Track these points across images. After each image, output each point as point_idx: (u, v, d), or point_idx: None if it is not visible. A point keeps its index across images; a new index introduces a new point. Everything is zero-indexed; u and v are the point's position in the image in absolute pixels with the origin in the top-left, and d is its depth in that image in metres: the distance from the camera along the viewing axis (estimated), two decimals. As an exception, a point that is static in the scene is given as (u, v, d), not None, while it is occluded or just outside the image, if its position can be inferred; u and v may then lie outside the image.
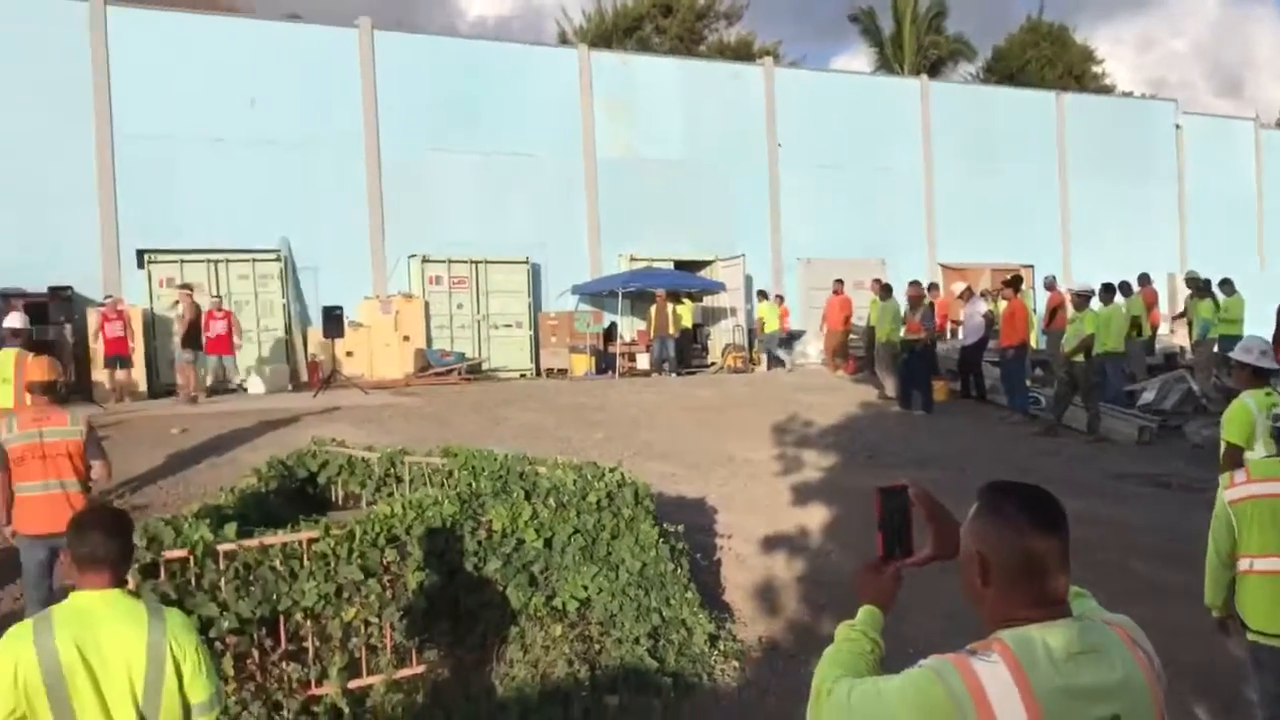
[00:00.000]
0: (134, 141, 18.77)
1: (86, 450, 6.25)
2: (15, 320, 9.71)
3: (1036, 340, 19.69)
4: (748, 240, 23.57)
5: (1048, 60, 42.25)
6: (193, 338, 16.04)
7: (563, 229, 22.54)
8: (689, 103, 24.03)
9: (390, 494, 7.64)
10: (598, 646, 6.27)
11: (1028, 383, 16.02)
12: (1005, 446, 13.18)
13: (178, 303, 16.69)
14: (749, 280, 23.11)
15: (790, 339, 22.56)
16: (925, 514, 2.18)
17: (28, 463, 6.06)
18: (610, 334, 22.03)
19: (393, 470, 7.95)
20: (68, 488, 6.12)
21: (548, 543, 6.32)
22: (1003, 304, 16.20)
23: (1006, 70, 41.96)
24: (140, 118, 18.82)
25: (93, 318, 16.83)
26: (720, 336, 23.48)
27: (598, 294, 22.35)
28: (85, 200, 18.50)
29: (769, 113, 24.97)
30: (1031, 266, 25.61)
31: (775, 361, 21.69)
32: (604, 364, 21.08)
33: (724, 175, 24.18)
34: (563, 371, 21.05)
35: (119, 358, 16.31)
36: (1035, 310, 21.33)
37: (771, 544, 8.76)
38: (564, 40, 39.06)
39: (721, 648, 6.72)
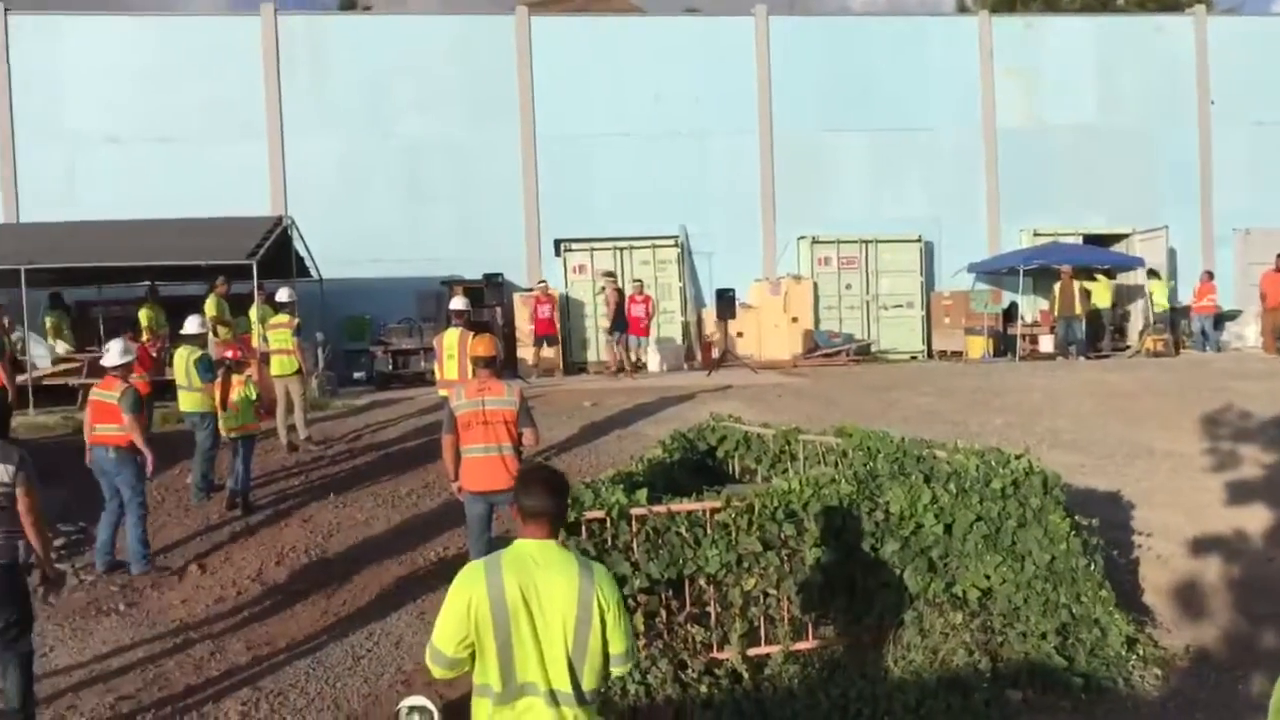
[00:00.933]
0: (552, 141, 20.61)
1: (519, 418, 6.92)
2: (458, 303, 11.00)
3: None
4: (1172, 210, 21.38)
5: None
6: (618, 321, 17.47)
7: (958, 204, 21.71)
8: (1103, 62, 22.16)
9: (784, 470, 7.80)
10: (1000, 638, 6.03)
11: None
12: None
13: (604, 289, 18.23)
14: (1172, 254, 20.90)
15: (1220, 320, 20.13)
16: None
17: (473, 428, 6.84)
18: (1010, 314, 20.86)
19: (787, 448, 8.12)
20: (504, 451, 6.84)
21: (948, 529, 6.15)
22: None
23: None
24: (558, 119, 20.61)
25: (519, 301, 18.71)
26: (1139, 317, 21.42)
27: (996, 272, 21.23)
28: (511, 197, 20.59)
29: (1199, 67, 22.36)
30: None
31: (1205, 343, 19.49)
32: (1003, 346, 20.06)
33: (1143, 139, 22.04)
34: (957, 354, 20.32)
35: (547, 337, 18.16)
36: None
37: (1200, 546, 7.92)
38: (963, 8, 37.45)
39: (1140, 652, 6.24)
